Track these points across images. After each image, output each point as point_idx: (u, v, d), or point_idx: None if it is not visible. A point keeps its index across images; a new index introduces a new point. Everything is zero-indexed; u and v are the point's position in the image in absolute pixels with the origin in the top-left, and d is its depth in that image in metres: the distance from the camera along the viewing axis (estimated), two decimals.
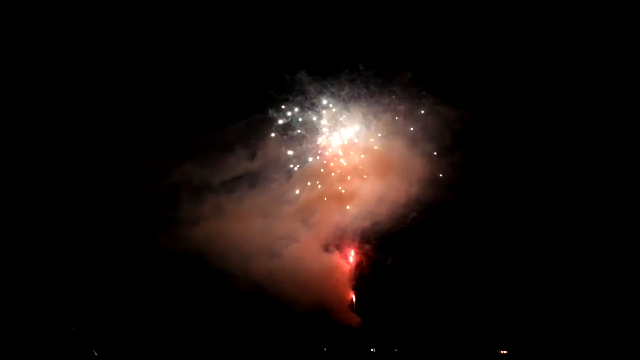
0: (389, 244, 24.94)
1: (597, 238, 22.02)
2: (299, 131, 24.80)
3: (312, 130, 24.91)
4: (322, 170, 25.11)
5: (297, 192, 25.09)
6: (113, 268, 24.04)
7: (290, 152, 25.02)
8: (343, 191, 24.90)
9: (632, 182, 21.65)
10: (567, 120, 22.30)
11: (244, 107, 24.19)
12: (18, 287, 21.38)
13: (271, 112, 24.50)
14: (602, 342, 20.85)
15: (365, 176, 24.84)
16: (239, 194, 25.52)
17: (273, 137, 24.70)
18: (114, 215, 24.88)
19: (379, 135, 24.74)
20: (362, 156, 25.00)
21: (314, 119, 24.87)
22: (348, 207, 24.77)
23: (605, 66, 22.11)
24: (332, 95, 24.32)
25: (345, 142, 25.06)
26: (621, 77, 21.69)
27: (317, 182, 25.08)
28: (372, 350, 23.74)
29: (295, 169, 25.19)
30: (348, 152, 25.10)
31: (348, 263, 25.15)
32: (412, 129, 24.25)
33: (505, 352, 22.42)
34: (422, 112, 24.06)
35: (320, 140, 25.13)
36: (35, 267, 22.41)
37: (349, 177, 25.01)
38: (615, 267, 21.53)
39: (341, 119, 24.83)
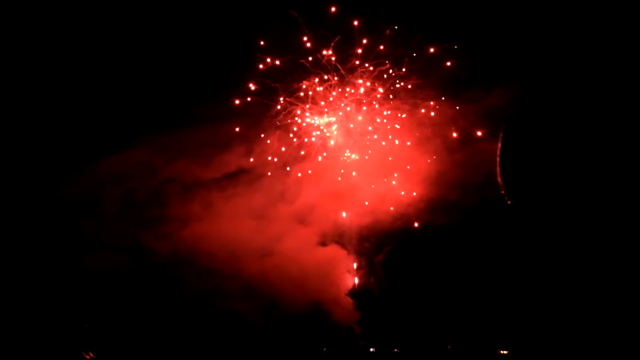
0: (387, 243, 24.89)
1: (598, 238, 22.07)
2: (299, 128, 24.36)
3: (314, 127, 24.41)
4: (321, 167, 24.72)
5: (295, 190, 24.72)
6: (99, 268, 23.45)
7: (289, 150, 24.54)
8: (343, 189, 24.58)
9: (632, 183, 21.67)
10: (572, 119, 22.14)
11: (243, 104, 23.61)
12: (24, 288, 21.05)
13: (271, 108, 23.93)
14: (602, 342, 21.06)
15: (366, 174, 24.56)
16: (232, 191, 25.03)
17: (272, 134, 24.19)
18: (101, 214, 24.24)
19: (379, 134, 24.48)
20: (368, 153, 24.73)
21: (317, 116, 24.35)
22: (347, 205, 24.57)
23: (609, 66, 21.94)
24: (335, 93, 23.90)
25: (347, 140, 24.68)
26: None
27: (317, 181, 24.72)
28: (371, 350, 23.60)
29: (294, 166, 24.76)
30: (349, 150, 24.73)
31: (347, 261, 24.92)
32: (416, 127, 24.03)
33: (505, 352, 22.52)
34: (427, 110, 23.86)
35: (322, 138, 24.66)
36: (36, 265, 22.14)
37: (350, 175, 24.69)
38: (615, 267, 21.66)
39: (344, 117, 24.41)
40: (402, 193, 24.13)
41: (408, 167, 24.19)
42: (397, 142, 24.16)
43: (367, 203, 24.60)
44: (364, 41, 22.99)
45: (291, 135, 24.55)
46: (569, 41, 22.29)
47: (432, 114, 23.73)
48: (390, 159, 24.41)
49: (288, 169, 24.70)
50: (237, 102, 23.44)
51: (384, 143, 24.37)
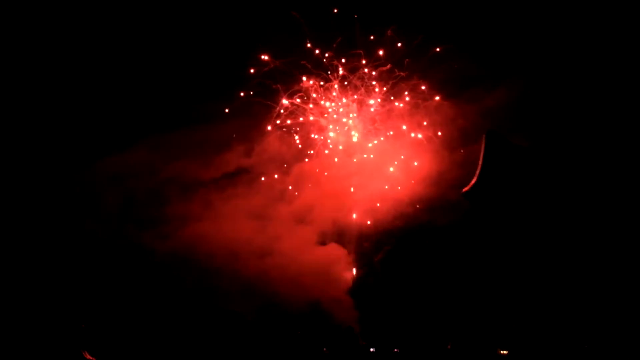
0: (387, 242, 24.85)
1: (598, 238, 22.03)
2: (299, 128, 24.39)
3: (314, 127, 24.47)
4: (321, 167, 24.74)
5: (295, 190, 24.67)
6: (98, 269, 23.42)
7: (289, 150, 24.54)
8: (342, 189, 24.56)
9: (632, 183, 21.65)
10: (573, 119, 22.18)
11: (244, 104, 23.64)
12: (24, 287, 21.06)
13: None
14: (602, 342, 21.01)
15: (366, 174, 24.55)
16: (232, 191, 24.99)
17: (273, 134, 24.17)
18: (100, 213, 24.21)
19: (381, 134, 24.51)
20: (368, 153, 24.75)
21: (317, 116, 24.39)
22: (347, 205, 24.52)
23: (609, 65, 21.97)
24: (335, 94, 23.93)
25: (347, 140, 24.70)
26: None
27: (317, 180, 24.70)
28: (372, 350, 23.58)
29: (294, 166, 24.77)
30: (350, 150, 24.78)
31: (346, 260, 24.89)
32: (417, 127, 24.04)
33: (505, 352, 22.47)
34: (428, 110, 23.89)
35: (322, 138, 24.71)
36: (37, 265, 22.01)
37: (350, 174, 24.67)
38: (615, 267, 21.62)
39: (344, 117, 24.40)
40: (402, 193, 24.12)
41: (408, 167, 24.22)
42: (397, 142, 24.30)
43: (367, 203, 24.64)
44: (366, 41, 23.22)
45: (292, 137, 24.70)
46: (568, 42, 22.39)
47: (433, 114, 23.88)
48: (390, 159, 24.48)
49: (287, 168, 24.74)
50: (237, 102, 23.60)
51: (384, 143, 24.50)
